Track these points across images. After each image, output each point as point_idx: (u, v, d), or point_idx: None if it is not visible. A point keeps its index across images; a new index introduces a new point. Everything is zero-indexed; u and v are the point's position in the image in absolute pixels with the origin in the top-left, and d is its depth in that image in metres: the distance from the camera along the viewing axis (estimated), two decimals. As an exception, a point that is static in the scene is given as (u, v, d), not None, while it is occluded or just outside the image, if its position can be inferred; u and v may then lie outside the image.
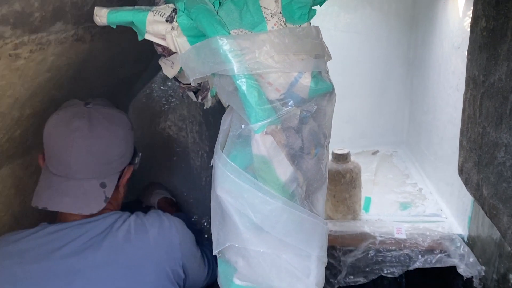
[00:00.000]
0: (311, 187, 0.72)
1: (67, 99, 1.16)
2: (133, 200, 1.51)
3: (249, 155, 0.64)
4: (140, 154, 1.09)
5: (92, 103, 0.97)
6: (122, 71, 1.54)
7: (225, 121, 0.70)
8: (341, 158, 1.49)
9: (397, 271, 1.39)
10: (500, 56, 0.87)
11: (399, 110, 2.23)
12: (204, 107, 1.14)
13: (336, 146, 2.12)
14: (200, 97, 1.10)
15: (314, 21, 0.76)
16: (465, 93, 1.08)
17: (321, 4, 0.72)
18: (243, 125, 0.64)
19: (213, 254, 0.74)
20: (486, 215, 0.97)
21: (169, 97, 1.85)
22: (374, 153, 2.21)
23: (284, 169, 0.65)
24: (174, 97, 1.77)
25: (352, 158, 1.56)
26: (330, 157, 1.53)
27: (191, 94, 1.10)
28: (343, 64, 2.14)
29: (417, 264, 1.38)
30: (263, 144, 0.63)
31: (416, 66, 2.05)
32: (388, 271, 1.40)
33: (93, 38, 1.02)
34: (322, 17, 2.06)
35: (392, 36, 2.09)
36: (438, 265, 1.36)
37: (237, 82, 0.61)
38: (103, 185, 0.91)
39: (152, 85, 1.76)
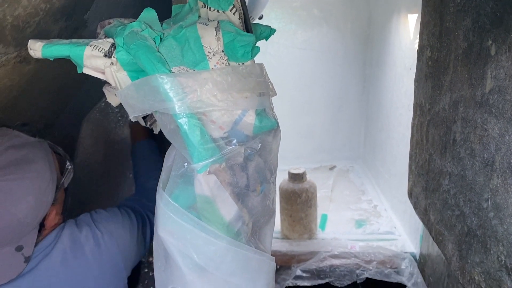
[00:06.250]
0: (258, 222, 0.70)
1: (10, 120, 1.10)
2: None
3: (192, 195, 0.62)
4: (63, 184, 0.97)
5: None
6: (73, 89, 1.49)
7: (169, 157, 0.68)
8: (297, 177, 1.49)
9: (345, 282, 1.42)
10: (444, 87, 0.90)
11: (356, 126, 2.27)
12: (154, 132, 1.11)
13: (294, 161, 2.14)
14: (148, 123, 1.07)
15: (272, 38, 0.76)
16: (413, 119, 1.11)
17: (267, 38, 0.71)
18: (185, 164, 0.62)
19: None
20: (433, 240, 0.99)
21: (124, 112, 1.80)
22: (332, 168, 2.24)
23: (228, 209, 0.64)
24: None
25: (309, 174, 1.56)
26: (286, 176, 1.53)
27: (140, 119, 1.07)
28: (300, 81, 2.16)
29: (367, 275, 1.40)
30: (206, 183, 0.61)
31: (371, 84, 2.09)
32: (337, 280, 1.43)
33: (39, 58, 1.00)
34: (280, 35, 2.08)
35: (348, 54, 2.13)
36: (386, 279, 1.39)
37: (179, 121, 0.59)
38: (19, 249, 0.81)
39: (107, 100, 1.70)
